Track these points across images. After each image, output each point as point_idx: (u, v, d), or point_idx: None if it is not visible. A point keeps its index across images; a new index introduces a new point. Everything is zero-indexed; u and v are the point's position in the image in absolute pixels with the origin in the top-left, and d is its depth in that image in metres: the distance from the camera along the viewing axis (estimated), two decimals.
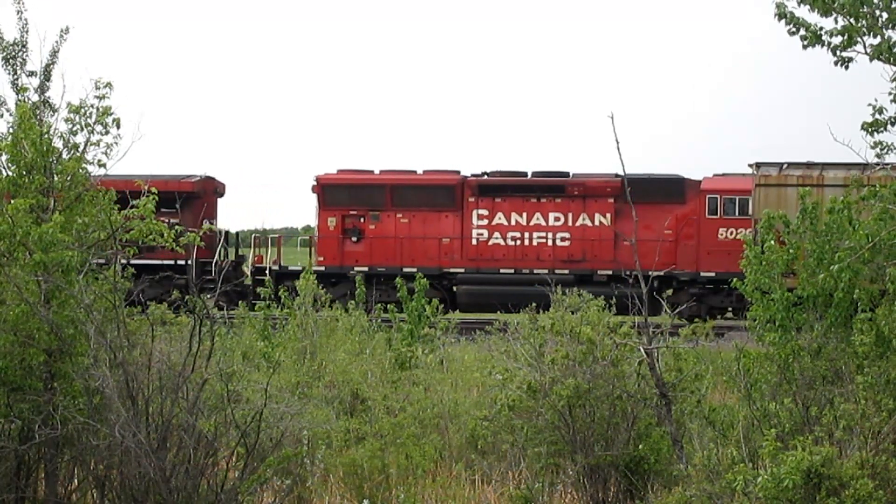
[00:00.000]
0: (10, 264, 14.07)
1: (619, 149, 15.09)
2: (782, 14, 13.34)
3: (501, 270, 37.27)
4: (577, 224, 38.22)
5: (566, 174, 38.81)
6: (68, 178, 14.53)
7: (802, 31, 13.34)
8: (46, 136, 14.58)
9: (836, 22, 13.28)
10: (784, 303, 14.28)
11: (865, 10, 13.12)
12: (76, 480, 14.57)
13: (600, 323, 15.75)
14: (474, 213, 38.51)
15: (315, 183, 38.93)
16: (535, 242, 38.21)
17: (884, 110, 13.39)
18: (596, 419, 15.08)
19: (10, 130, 14.79)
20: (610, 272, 37.23)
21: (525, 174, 38.90)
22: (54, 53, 20.21)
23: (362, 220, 38.49)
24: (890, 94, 13.46)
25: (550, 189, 38.44)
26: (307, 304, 21.68)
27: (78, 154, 14.72)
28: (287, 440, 14.90)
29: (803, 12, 13.37)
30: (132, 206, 14.70)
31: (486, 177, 38.91)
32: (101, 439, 13.46)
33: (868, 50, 13.31)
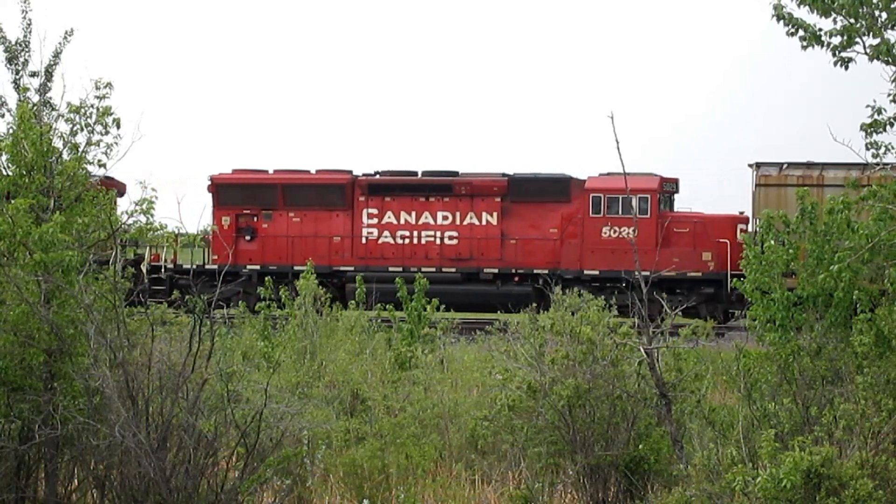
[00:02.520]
0: (10, 264, 14.08)
1: (619, 149, 15.11)
2: (780, 15, 13.34)
3: (390, 268, 37.53)
4: (465, 223, 38.59)
5: (455, 174, 39.26)
6: (68, 178, 14.54)
7: (801, 32, 13.35)
8: (46, 136, 14.58)
9: (836, 22, 13.28)
10: (784, 303, 14.28)
11: (865, 10, 13.13)
12: (76, 480, 14.57)
13: (600, 323, 15.75)
14: (364, 212, 38.95)
15: (210, 182, 39.47)
16: (423, 241, 38.59)
17: (883, 111, 13.40)
18: (596, 419, 15.09)
19: (11, 130, 14.80)
20: (496, 270, 37.61)
21: (415, 173, 39.37)
22: (57, 55, 20.26)
23: (255, 219, 38.88)
24: (889, 94, 13.47)
25: (439, 188, 38.90)
26: (307, 304, 21.68)
27: (78, 154, 14.73)
28: (287, 440, 14.90)
29: (803, 13, 13.38)
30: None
31: (377, 176, 39.42)
32: (101, 439, 13.47)
33: (868, 50, 13.31)
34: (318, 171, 39.52)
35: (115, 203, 15.00)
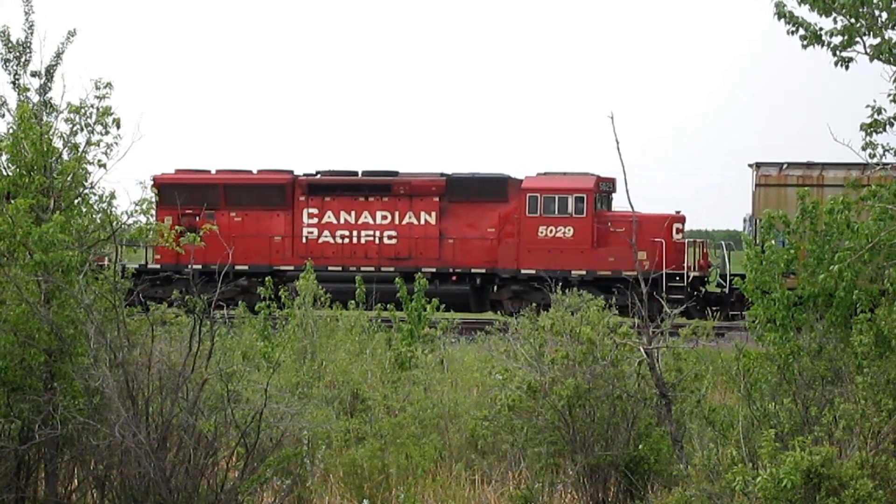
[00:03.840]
0: (10, 264, 14.07)
1: (619, 149, 15.09)
2: (781, 13, 13.35)
3: (329, 268, 37.72)
4: (404, 222, 38.88)
5: (395, 174, 39.51)
6: (68, 178, 14.53)
7: (802, 31, 13.35)
8: (46, 136, 14.57)
9: (836, 22, 13.28)
10: (784, 303, 14.27)
11: (865, 10, 13.13)
12: (76, 480, 14.57)
13: (600, 323, 15.74)
14: (305, 211, 39.25)
15: (152, 183, 39.65)
16: (363, 240, 38.89)
17: (883, 111, 13.40)
18: (596, 419, 15.09)
19: (10, 130, 14.79)
20: (434, 270, 37.82)
21: (356, 173, 39.69)
22: (58, 55, 20.27)
23: (197, 219, 39.09)
24: (889, 94, 13.47)
25: (378, 188, 39.18)
26: (307, 303, 21.68)
27: (78, 154, 14.72)
28: (287, 440, 14.90)
29: (803, 12, 13.39)
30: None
31: (318, 176, 39.68)
32: (101, 439, 13.46)
33: (868, 50, 13.31)
34: (259, 172, 39.85)
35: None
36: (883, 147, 13.53)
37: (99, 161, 14.89)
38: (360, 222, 38.84)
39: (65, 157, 14.71)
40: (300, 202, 39.19)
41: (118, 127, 14.85)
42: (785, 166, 36.23)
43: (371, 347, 22.05)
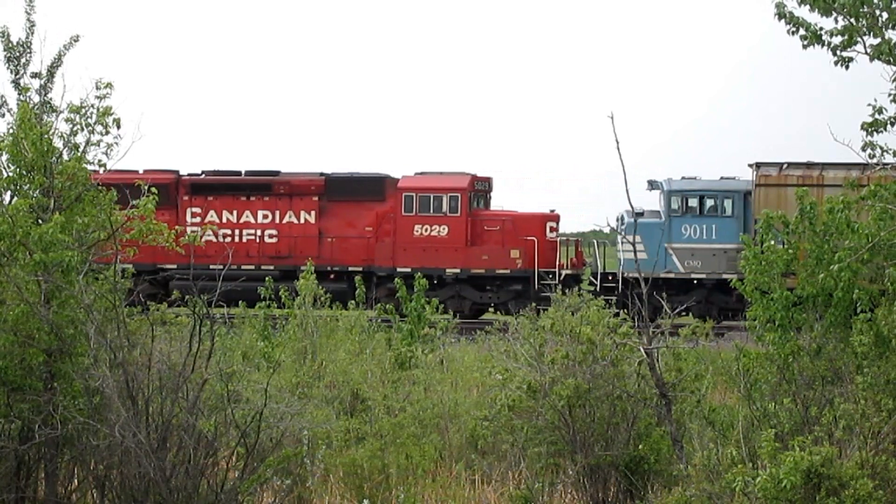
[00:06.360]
0: (10, 264, 14.07)
1: (619, 149, 15.08)
2: (782, 14, 13.35)
3: (211, 266, 37.92)
4: (284, 221, 39.36)
5: (276, 173, 39.92)
6: (68, 179, 14.54)
7: (802, 31, 13.35)
8: (46, 136, 14.58)
9: (836, 22, 13.29)
10: (784, 303, 14.27)
11: (866, 10, 13.13)
12: (76, 480, 14.56)
13: (600, 323, 15.74)
14: (188, 211, 39.61)
15: None
16: (244, 239, 39.20)
17: (883, 110, 13.40)
18: (596, 419, 15.08)
19: (11, 130, 14.79)
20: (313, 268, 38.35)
21: (239, 173, 40.07)
22: (59, 57, 20.27)
23: None
24: (890, 94, 13.47)
25: (259, 188, 39.61)
26: (307, 303, 21.68)
27: (78, 154, 14.73)
28: (287, 440, 14.90)
29: (803, 12, 13.39)
30: (132, 206, 14.75)
31: (203, 176, 39.99)
32: (101, 439, 13.46)
33: (868, 50, 13.31)
34: (145, 171, 39.89)
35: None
36: (882, 148, 13.54)
37: (99, 161, 14.90)
38: (241, 221, 39.29)
39: (65, 157, 14.71)
40: (184, 201, 39.64)
41: (118, 127, 14.87)
42: (785, 166, 36.24)
43: (371, 347, 22.05)
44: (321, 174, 39.45)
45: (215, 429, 13.39)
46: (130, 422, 13.15)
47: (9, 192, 14.68)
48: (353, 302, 24.91)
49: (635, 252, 32.48)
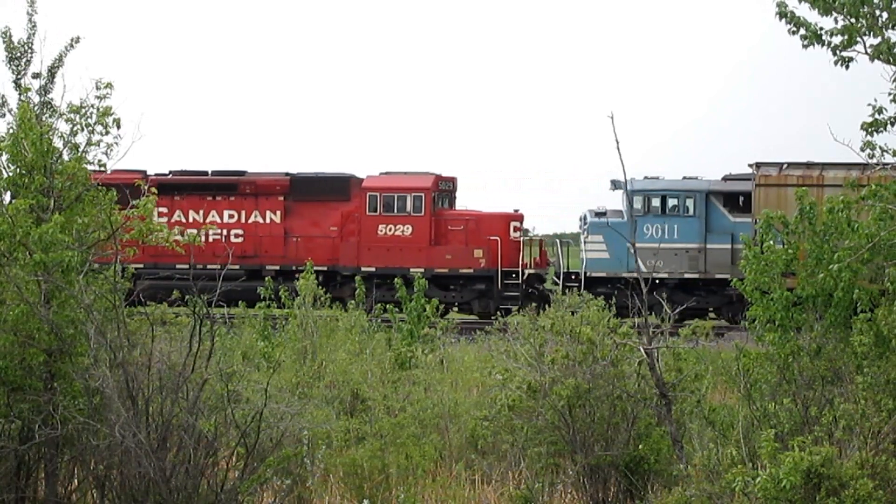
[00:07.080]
0: (10, 264, 14.07)
1: (619, 149, 15.07)
2: (783, 13, 13.35)
3: (178, 266, 37.90)
4: (250, 221, 39.58)
5: (242, 173, 40.10)
6: (68, 179, 14.54)
7: (802, 31, 13.36)
8: (46, 136, 14.58)
9: (837, 22, 13.29)
10: (784, 303, 14.27)
11: (866, 9, 13.13)
12: (76, 480, 14.56)
13: (600, 323, 15.75)
14: (155, 210, 39.62)
15: None
16: (210, 239, 38.96)
17: (883, 110, 13.40)
18: (596, 419, 15.09)
19: (11, 131, 14.80)
20: (278, 267, 38.40)
21: (206, 173, 40.21)
22: (60, 58, 20.28)
23: None
24: (890, 94, 13.47)
25: (225, 188, 39.80)
26: (307, 303, 21.69)
27: (78, 154, 14.74)
28: (287, 440, 14.89)
29: (804, 11, 13.39)
30: (132, 206, 14.76)
31: (170, 175, 40.07)
32: (101, 439, 13.46)
33: (868, 50, 13.32)
34: (113, 171, 39.96)
35: None
36: (882, 148, 13.54)
37: (99, 161, 14.92)
38: (208, 221, 39.29)
39: (65, 157, 14.72)
40: None
41: (118, 127, 14.88)
42: (785, 166, 36.24)
43: (371, 347, 22.06)
44: (287, 174, 39.65)
45: (215, 429, 13.39)
46: (130, 422, 13.16)
47: (9, 193, 14.68)
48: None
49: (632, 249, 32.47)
